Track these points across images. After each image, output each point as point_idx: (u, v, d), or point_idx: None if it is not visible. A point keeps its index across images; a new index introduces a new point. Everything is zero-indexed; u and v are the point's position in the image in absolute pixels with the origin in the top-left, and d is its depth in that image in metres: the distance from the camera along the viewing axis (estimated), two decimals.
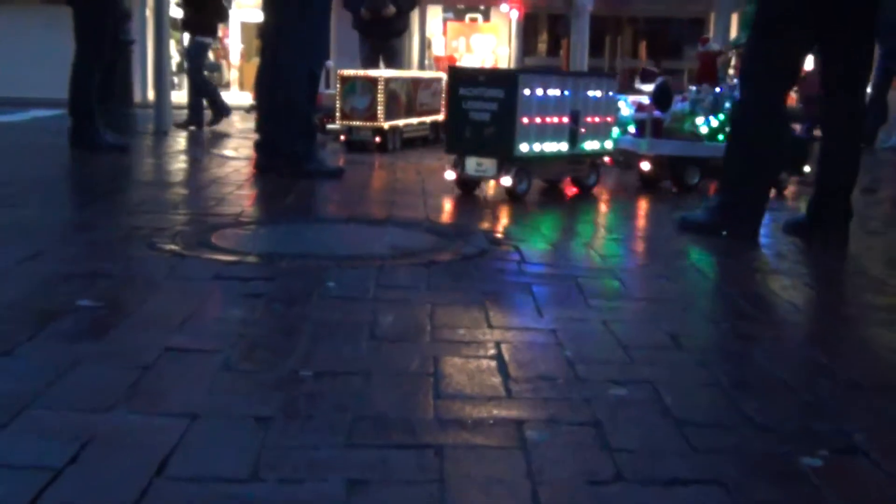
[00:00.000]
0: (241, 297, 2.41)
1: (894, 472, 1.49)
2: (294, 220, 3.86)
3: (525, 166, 4.50)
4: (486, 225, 3.78)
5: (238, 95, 17.35)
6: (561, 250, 3.36)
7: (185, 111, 8.86)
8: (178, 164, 6.03)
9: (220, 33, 19.26)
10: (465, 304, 2.43)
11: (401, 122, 7.27)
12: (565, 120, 4.66)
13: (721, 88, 5.39)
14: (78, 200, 4.46)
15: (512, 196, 4.46)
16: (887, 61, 8.34)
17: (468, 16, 19.65)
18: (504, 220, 4.00)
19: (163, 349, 1.93)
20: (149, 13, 14.78)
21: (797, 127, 5.34)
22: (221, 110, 8.97)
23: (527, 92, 4.43)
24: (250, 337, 2.07)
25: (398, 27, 8.82)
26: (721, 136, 4.99)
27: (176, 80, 11.49)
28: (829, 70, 3.63)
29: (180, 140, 7.66)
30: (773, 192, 4.98)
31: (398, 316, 2.29)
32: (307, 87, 5.29)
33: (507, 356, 1.99)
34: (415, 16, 16.59)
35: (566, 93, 4.66)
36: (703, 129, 5.12)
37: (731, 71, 7.23)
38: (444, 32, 19.39)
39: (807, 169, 5.08)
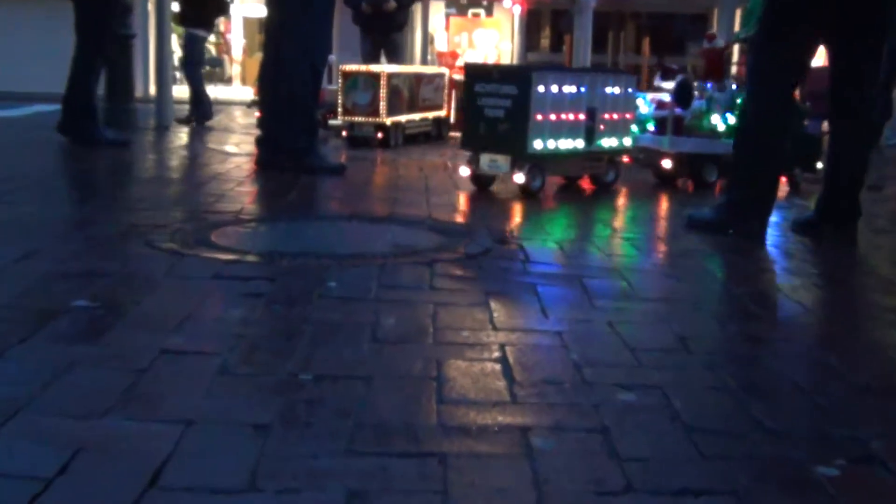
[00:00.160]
0: (241, 297, 2.37)
1: None
2: (295, 217, 3.81)
3: (539, 163, 4.46)
4: (492, 223, 3.73)
5: (240, 90, 17.33)
6: (567, 249, 3.31)
7: (187, 106, 8.81)
8: (179, 160, 6.00)
9: (221, 28, 19.32)
10: (469, 304, 2.38)
11: (403, 118, 7.22)
12: (581, 117, 4.62)
13: (735, 85, 5.36)
14: (76, 197, 4.42)
15: (525, 193, 4.42)
16: None
17: (471, 11, 19.59)
18: (511, 217, 3.95)
19: (159, 351, 1.88)
20: (150, 7, 14.77)
21: (807, 123, 5.31)
22: (203, 112, 8.58)
23: (541, 89, 4.39)
24: (249, 339, 2.02)
25: (399, 21, 8.78)
26: None
27: (177, 74, 11.43)
28: (835, 65, 3.59)
29: (181, 135, 7.62)
30: (787, 189, 4.95)
31: (400, 317, 2.24)
32: (310, 82, 5.25)
33: (511, 359, 1.94)
34: (417, 11, 16.56)
35: (582, 89, 4.61)
36: (721, 127, 5.08)
37: (733, 68, 7.20)
38: (447, 28, 19.32)
39: (819, 165, 5.03)
